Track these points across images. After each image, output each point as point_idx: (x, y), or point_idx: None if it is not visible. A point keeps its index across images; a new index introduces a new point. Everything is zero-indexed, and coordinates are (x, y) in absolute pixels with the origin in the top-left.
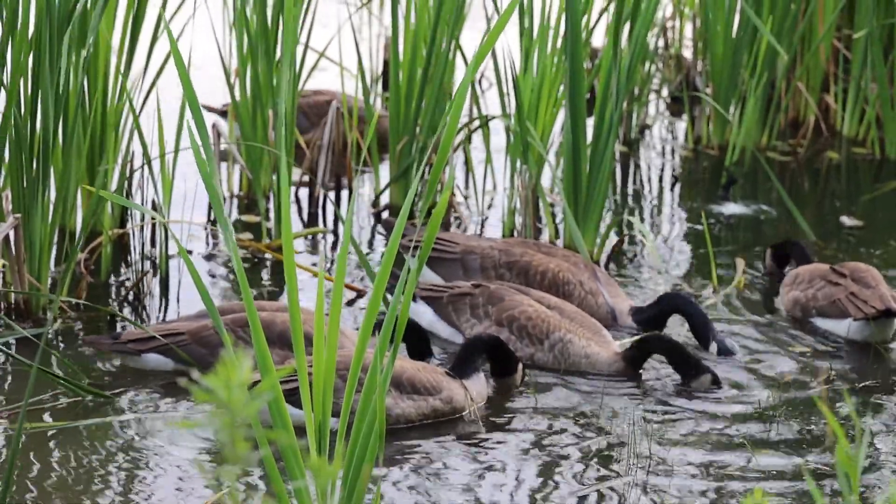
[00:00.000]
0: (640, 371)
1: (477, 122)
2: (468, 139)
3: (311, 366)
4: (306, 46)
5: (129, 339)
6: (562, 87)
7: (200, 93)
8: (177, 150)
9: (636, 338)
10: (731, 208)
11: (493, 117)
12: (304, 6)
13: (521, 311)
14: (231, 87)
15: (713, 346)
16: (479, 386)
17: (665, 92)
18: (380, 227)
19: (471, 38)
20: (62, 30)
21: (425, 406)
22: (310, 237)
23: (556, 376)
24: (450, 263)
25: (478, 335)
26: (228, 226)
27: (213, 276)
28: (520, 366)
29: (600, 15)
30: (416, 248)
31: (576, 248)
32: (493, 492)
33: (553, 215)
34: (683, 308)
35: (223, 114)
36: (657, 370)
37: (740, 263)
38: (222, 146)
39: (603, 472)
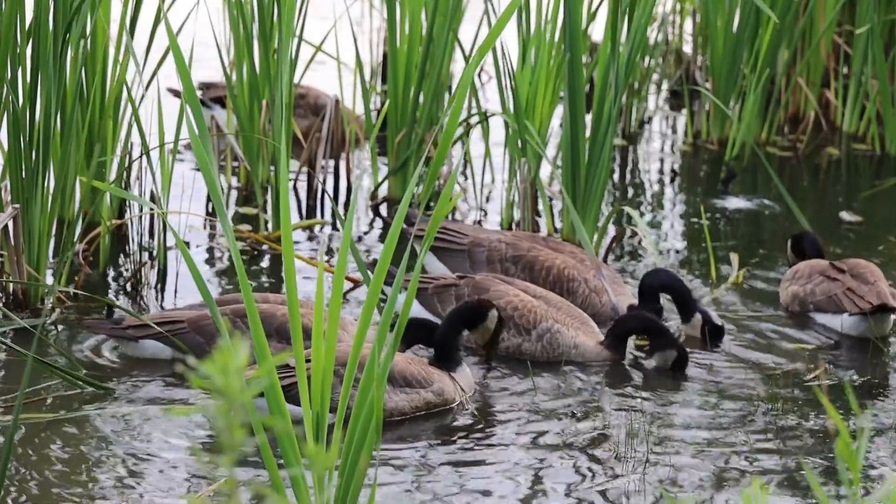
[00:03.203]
0: (627, 360)
1: (476, 118)
2: (467, 134)
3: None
4: (300, 39)
5: (129, 324)
6: (559, 80)
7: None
8: (176, 141)
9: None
10: (731, 203)
11: (492, 114)
12: None
13: (507, 301)
14: (228, 78)
15: (697, 318)
16: (466, 377)
17: (665, 86)
18: (379, 218)
19: (469, 30)
20: (66, 20)
21: (418, 399)
22: (309, 228)
23: (550, 370)
24: (457, 254)
25: (441, 326)
26: (227, 219)
27: (211, 266)
28: (493, 312)
29: (598, 6)
30: (419, 236)
31: (578, 242)
32: (488, 483)
33: (552, 209)
34: (667, 283)
35: (217, 100)
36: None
37: (735, 258)
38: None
39: (599, 467)
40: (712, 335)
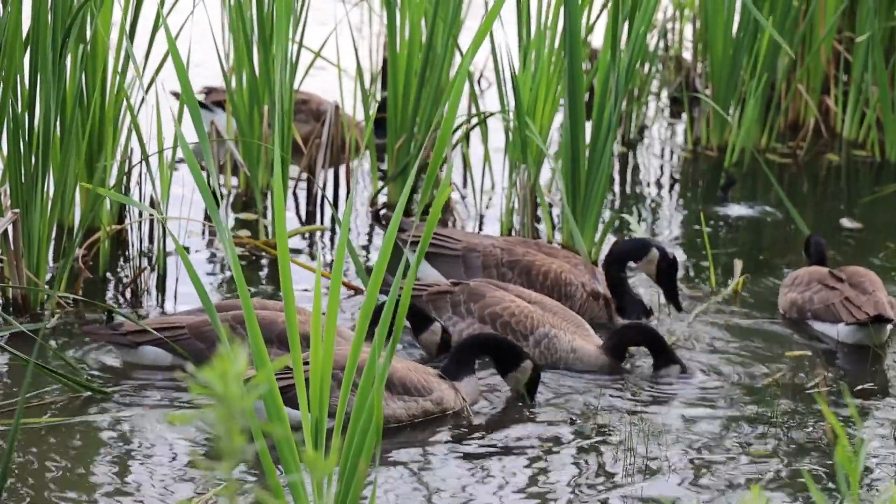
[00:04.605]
0: (625, 365)
1: (475, 120)
2: (466, 137)
3: (307, 363)
4: (300, 45)
5: (128, 330)
6: (559, 87)
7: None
8: (175, 146)
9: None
10: (731, 210)
11: (492, 113)
12: (299, 2)
13: (504, 307)
14: (228, 83)
15: (653, 252)
16: (471, 388)
17: (665, 93)
18: (378, 225)
19: (469, 36)
20: (65, 27)
21: (415, 407)
22: (308, 234)
23: (548, 375)
24: (451, 260)
25: (473, 336)
26: (223, 227)
27: (211, 272)
28: (528, 362)
29: (599, 13)
30: (413, 242)
31: (574, 248)
32: (488, 489)
33: (551, 215)
34: (624, 244)
35: (218, 104)
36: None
37: (738, 265)
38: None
39: (598, 473)
40: (668, 270)
